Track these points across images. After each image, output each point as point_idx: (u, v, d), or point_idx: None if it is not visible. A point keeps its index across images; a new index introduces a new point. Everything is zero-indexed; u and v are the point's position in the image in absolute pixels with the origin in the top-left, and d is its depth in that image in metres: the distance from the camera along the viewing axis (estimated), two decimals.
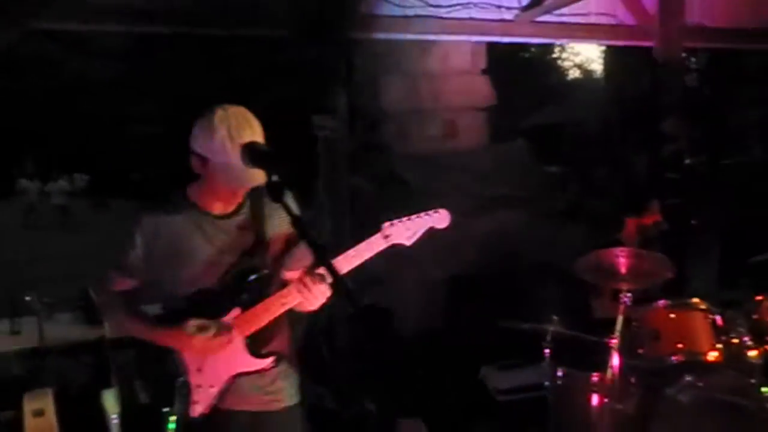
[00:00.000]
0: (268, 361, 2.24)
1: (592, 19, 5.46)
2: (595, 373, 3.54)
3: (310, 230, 1.85)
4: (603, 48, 18.49)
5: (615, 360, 3.31)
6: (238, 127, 2.08)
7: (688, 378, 3.53)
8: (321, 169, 4.42)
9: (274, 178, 1.94)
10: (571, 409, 3.68)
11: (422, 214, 2.26)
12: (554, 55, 28.72)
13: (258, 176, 2.03)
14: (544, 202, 5.82)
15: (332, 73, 4.46)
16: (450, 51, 5.94)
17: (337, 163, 4.50)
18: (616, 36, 5.65)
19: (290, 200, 2.37)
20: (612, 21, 5.50)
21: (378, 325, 5.18)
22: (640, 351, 3.45)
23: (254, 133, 2.12)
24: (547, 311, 5.13)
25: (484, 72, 6.22)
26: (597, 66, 24.08)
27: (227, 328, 2.18)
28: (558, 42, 5.67)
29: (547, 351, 3.55)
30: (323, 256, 1.73)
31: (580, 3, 5.25)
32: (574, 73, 30.01)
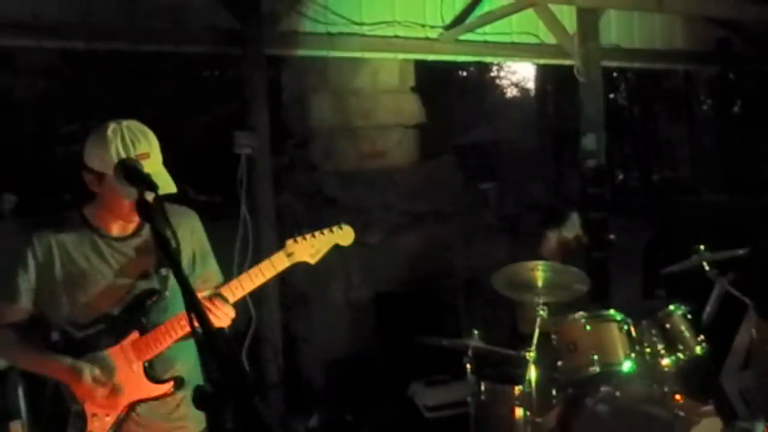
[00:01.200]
0: (166, 387, 2.16)
1: (515, 38, 5.58)
2: (516, 387, 3.57)
3: (176, 256, 1.70)
4: (537, 67, 19.06)
5: (532, 373, 3.33)
6: (133, 140, 2.02)
7: (605, 388, 3.61)
8: (243, 186, 4.34)
9: (146, 195, 1.85)
10: (494, 423, 3.70)
11: (326, 231, 2.23)
12: (492, 74, 29.37)
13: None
14: (472, 218, 5.88)
15: (253, 90, 4.41)
16: (378, 69, 5.96)
17: (260, 181, 4.44)
18: (538, 55, 5.79)
19: (188, 220, 2.31)
20: (534, 40, 5.64)
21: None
22: (559, 363, 3.49)
23: (149, 145, 2.05)
24: (475, 326, 5.17)
25: (413, 90, 6.26)
26: (533, 85, 24.71)
27: (108, 372, 2.06)
28: (482, 60, 5.73)
29: (468, 366, 3.55)
30: (186, 288, 1.58)
31: (502, 22, 5.36)
32: (512, 92, 30.74)
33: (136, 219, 2.19)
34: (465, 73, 26.19)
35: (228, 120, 4.46)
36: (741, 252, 3.75)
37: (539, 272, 3.40)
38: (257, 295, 4.61)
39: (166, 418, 2.23)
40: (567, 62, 5.69)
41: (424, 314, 5.43)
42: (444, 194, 5.93)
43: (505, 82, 29.96)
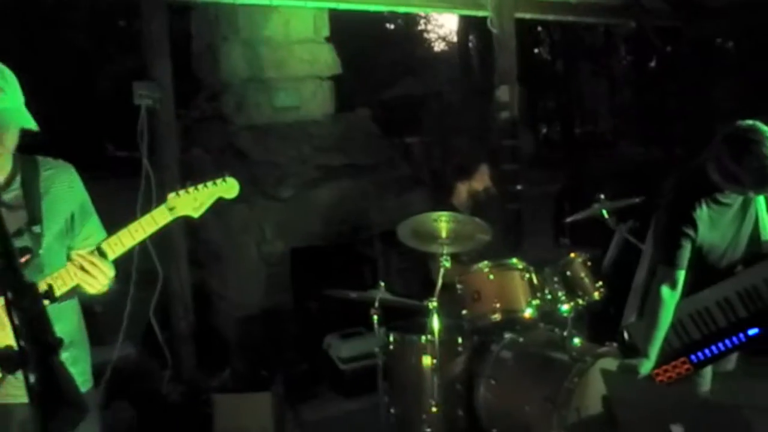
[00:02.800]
0: None
1: None
2: (423, 336, 3.62)
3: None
4: (462, 20, 19.00)
5: (435, 322, 3.38)
6: None
7: (509, 335, 3.71)
8: (144, 139, 4.17)
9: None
10: (403, 373, 3.76)
11: (209, 184, 2.15)
12: (419, 28, 29.18)
13: None
14: (389, 171, 5.85)
15: (153, 38, 4.20)
16: (291, 17, 5.78)
17: (163, 133, 4.27)
18: (451, 5, 5.74)
19: (65, 175, 2.20)
20: None
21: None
22: (464, 312, 3.56)
23: (4, 82, 1.95)
24: (390, 278, 5.21)
25: (328, 40, 6.11)
26: (459, 38, 24.72)
27: None
28: (395, 10, 5.62)
29: (375, 318, 3.57)
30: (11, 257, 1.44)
31: None
32: (439, 45, 30.69)
33: (2, 173, 2.07)
34: (393, 26, 25.96)
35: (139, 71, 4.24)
36: (637, 200, 3.88)
37: (443, 223, 3.43)
38: (166, 251, 4.52)
39: None
40: (481, 13, 5.67)
41: (339, 268, 5.43)
42: (359, 147, 5.87)
43: (432, 36, 29.90)
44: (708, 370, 2.88)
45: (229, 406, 3.83)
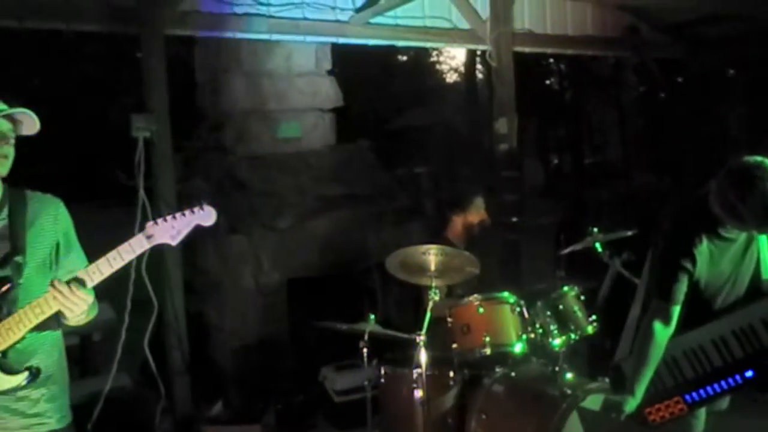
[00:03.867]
0: (20, 378, 2.08)
1: (427, 22, 5.58)
2: (415, 370, 3.60)
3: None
4: (470, 52, 19.15)
5: (422, 356, 3.36)
6: None
7: (501, 369, 3.68)
8: (141, 170, 4.22)
9: None
10: (393, 406, 3.73)
11: (187, 212, 2.17)
12: (432, 59, 29.46)
13: None
14: (387, 202, 5.87)
15: (151, 71, 4.27)
16: (293, 51, 5.87)
17: (160, 165, 4.32)
18: (450, 39, 5.81)
19: (51, 208, 2.24)
20: (446, 24, 5.65)
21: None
22: (454, 345, 3.53)
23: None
24: (387, 309, 5.19)
25: (330, 73, 6.19)
26: (468, 70, 24.88)
27: None
28: (394, 44, 5.69)
29: (364, 350, 3.56)
30: None
31: (413, 6, 5.34)
32: (451, 77, 30.90)
33: None
34: (405, 58, 26.24)
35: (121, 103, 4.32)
36: (629, 233, 3.86)
37: (432, 256, 3.42)
38: (161, 283, 4.54)
39: (23, 415, 2.16)
40: (480, 47, 5.73)
41: (336, 299, 5.42)
42: (358, 178, 5.90)
43: (444, 67, 30.13)
44: (702, 411, 2.82)
45: None
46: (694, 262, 2.63)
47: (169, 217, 2.18)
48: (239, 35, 4.90)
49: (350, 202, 5.70)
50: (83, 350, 5.34)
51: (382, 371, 3.72)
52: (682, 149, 8.27)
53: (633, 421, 2.64)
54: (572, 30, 6.29)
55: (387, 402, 3.76)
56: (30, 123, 2.19)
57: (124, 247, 2.13)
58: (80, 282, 2.08)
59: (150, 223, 2.17)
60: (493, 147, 5.85)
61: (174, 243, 2.20)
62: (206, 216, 2.21)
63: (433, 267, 3.44)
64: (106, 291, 4.23)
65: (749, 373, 2.59)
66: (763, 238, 2.76)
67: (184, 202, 5.44)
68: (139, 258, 4.19)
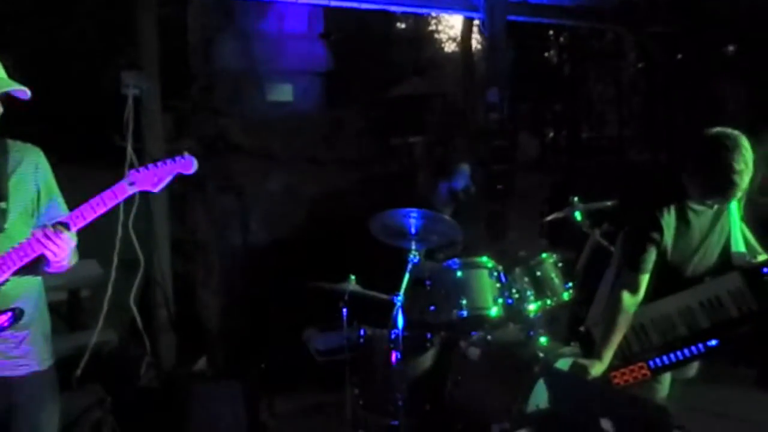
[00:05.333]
0: (2, 318, 2.14)
1: None
2: (393, 331, 3.67)
3: None
4: (477, 22, 18.95)
5: (399, 317, 3.43)
6: None
7: (478, 332, 3.75)
8: (129, 128, 4.24)
9: None
10: (372, 366, 3.81)
11: (168, 161, 2.23)
12: (430, 28, 29.19)
13: None
14: (377, 167, 5.92)
15: (142, 28, 4.27)
16: (286, 13, 5.86)
17: (149, 122, 4.34)
18: (445, 5, 5.79)
19: (32, 156, 2.28)
20: None
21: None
22: (432, 308, 3.60)
23: None
24: (375, 272, 5.26)
25: (322, 36, 6.18)
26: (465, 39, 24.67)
27: None
28: (386, 9, 5.65)
29: (344, 311, 3.63)
30: None
31: None
32: (448, 46, 30.64)
33: None
34: (404, 25, 26.00)
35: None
36: (609, 203, 3.91)
37: (412, 219, 3.48)
38: (148, 241, 4.59)
39: (5, 356, 2.22)
40: (474, 15, 5.71)
41: (324, 260, 5.48)
42: (349, 143, 5.94)
43: (442, 36, 29.88)
44: (666, 377, 2.89)
45: (203, 394, 3.89)
46: (661, 232, 2.68)
47: (150, 165, 2.25)
48: None
49: (339, 166, 5.74)
50: (71, 306, 5.41)
51: (362, 332, 3.79)
52: (678, 126, 8.29)
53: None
54: (569, 0, 6.25)
55: (365, 362, 3.84)
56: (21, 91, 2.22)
57: (107, 193, 2.18)
58: (64, 225, 2.12)
59: (132, 171, 2.22)
60: (484, 116, 5.87)
61: (155, 190, 2.26)
62: (187, 164, 2.27)
63: (413, 230, 3.50)
64: (94, 248, 4.31)
65: (713, 343, 2.65)
66: (734, 212, 2.79)
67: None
68: (127, 215, 4.29)
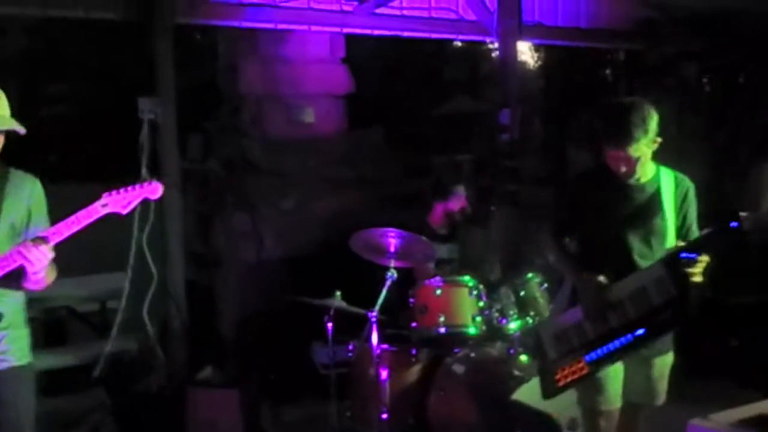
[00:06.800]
0: None
1: (433, 14, 5.71)
2: (380, 346, 3.81)
3: None
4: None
5: (374, 333, 3.57)
6: None
7: (461, 350, 3.86)
8: (145, 151, 4.54)
9: None
10: (360, 379, 3.95)
11: (137, 186, 2.46)
12: (486, 47, 29.23)
13: None
14: (393, 186, 6.07)
15: (159, 57, 4.58)
16: (307, 39, 6.11)
17: (164, 145, 4.63)
18: (456, 30, 5.92)
19: (29, 185, 2.56)
20: (452, 16, 5.77)
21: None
22: (413, 324, 3.73)
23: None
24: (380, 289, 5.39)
25: (344, 61, 6.41)
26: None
27: None
28: (399, 35, 5.82)
29: (330, 325, 3.79)
30: None
31: None
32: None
33: None
34: (460, 44, 26.13)
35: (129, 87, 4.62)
36: None
37: (391, 239, 3.62)
38: (162, 254, 4.87)
39: None
40: (487, 39, 5.83)
41: (337, 277, 5.65)
42: (367, 163, 6.12)
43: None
44: (613, 380, 2.86)
45: (201, 400, 4.12)
46: (581, 201, 2.88)
47: (122, 190, 2.49)
48: (245, 24, 5.15)
49: (356, 185, 5.93)
50: (102, 315, 5.77)
51: (350, 346, 3.95)
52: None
53: (547, 392, 2.79)
54: (586, 22, 6.30)
55: (353, 375, 4.00)
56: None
57: (81, 213, 2.43)
58: (43, 239, 2.37)
59: (105, 194, 2.46)
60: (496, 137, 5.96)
61: (124, 212, 2.50)
62: (153, 190, 2.51)
63: (392, 249, 3.64)
64: (122, 263, 4.60)
65: (640, 332, 2.67)
66: (666, 193, 2.78)
67: (200, 182, 5.82)
68: (141, 231, 4.59)
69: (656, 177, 2.82)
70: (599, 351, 2.70)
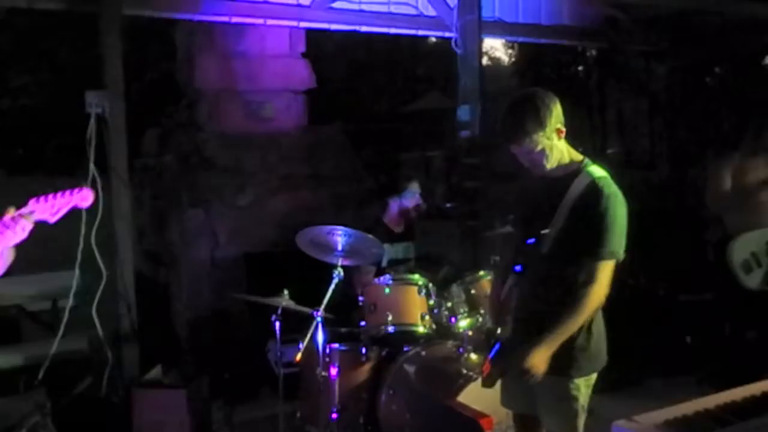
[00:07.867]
0: None
1: (392, 8, 5.66)
2: (331, 345, 3.76)
3: None
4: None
5: (319, 331, 3.51)
6: None
7: (412, 348, 3.82)
8: (92, 145, 4.41)
9: None
10: (310, 378, 3.89)
11: (67, 192, 2.35)
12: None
13: None
14: (352, 184, 6.01)
15: (108, 49, 4.46)
16: (266, 34, 6.01)
17: (113, 140, 4.51)
18: (416, 26, 5.87)
19: None
20: (411, 11, 5.72)
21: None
22: (362, 323, 3.68)
23: None
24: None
25: (304, 55, 6.32)
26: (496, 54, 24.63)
27: None
28: (357, 30, 5.75)
29: (277, 324, 3.73)
30: None
31: None
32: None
33: None
34: (434, 41, 26.12)
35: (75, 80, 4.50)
36: None
37: (338, 237, 3.56)
38: (112, 252, 4.76)
39: None
40: (446, 35, 5.79)
41: (291, 274, 5.58)
42: (326, 160, 6.05)
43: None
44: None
45: (146, 401, 4.02)
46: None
47: (50, 196, 2.37)
48: (197, 17, 5.05)
49: (313, 182, 5.86)
50: (54, 314, 5.63)
51: (299, 345, 3.87)
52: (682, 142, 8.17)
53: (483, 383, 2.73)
54: (546, 19, 6.30)
55: (304, 374, 3.93)
56: None
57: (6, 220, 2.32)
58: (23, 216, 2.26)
59: (33, 200, 2.35)
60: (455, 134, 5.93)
61: (52, 220, 2.38)
62: (84, 197, 2.39)
63: (339, 247, 3.58)
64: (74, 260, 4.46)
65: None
66: (571, 197, 2.52)
67: (155, 177, 5.68)
68: (89, 229, 4.47)
69: (573, 175, 2.55)
70: (494, 348, 2.64)
